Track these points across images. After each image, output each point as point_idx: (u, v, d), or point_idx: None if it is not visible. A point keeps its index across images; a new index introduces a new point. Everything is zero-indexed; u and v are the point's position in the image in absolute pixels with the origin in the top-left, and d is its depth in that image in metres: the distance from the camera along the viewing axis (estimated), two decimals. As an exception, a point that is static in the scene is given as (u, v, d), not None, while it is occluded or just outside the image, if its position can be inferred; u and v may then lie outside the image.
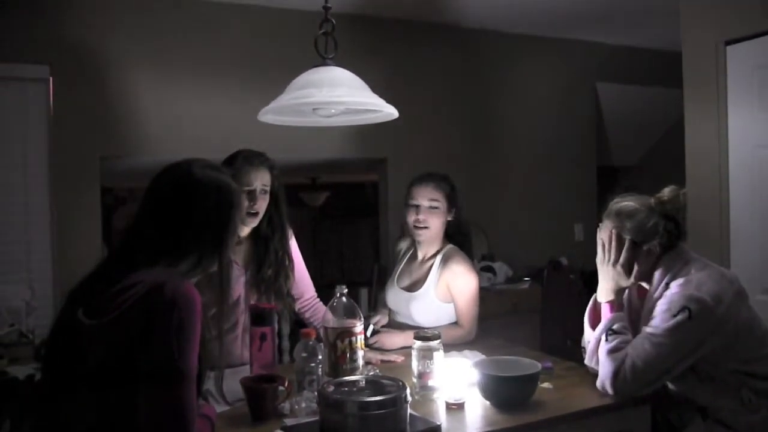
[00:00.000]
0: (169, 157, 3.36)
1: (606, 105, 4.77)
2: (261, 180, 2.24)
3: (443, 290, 2.52)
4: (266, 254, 2.28)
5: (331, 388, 1.62)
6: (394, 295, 2.65)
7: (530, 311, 3.78)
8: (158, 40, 3.44)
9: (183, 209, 1.42)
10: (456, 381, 1.87)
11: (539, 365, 1.85)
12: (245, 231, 2.31)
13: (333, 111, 2.14)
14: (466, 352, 2.35)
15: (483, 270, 3.94)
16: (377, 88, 2.12)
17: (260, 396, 1.74)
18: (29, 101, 3.18)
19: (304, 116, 2.22)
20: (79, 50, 3.26)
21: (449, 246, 2.59)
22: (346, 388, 1.65)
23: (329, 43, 2.12)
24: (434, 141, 4.15)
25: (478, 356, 2.28)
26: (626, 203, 1.95)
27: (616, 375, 1.80)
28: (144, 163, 3.58)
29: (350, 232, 6.24)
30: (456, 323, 2.53)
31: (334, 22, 2.12)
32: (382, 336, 2.44)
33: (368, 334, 2.39)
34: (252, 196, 2.23)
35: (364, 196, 5.65)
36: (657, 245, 1.90)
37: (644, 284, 1.98)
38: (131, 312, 1.26)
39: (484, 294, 3.66)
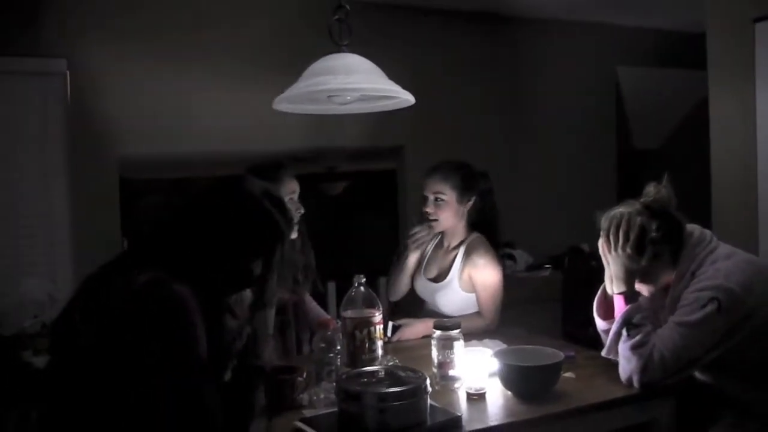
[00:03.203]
0: (188, 149, 3.37)
1: (627, 88, 4.69)
2: (298, 188, 2.38)
3: (466, 281, 2.50)
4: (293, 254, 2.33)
5: (350, 379, 1.60)
6: (422, 286, 2.63)
7: (551, 299, 3.74)
8: (174, 32, 3.41)
9: (231, 226, 1.39)
10: (477, 371, 1.85)
11: (562, 355, 1.82)
12: None
13: (348, 98, 2.11)
14: (487, 341, 2.32)
15: (503, 257, 3.89)
16: (395, 75, 2.09)
17: (279, 387, 1.73)
18: (47, 95, 3.17)
19: (319, 104, 2.19)
20: (96, 43, 3.24)
21: (473, 236, 2.55)
22: (365, 379, 1.63)
23: (344, 30, 2.08)
24: (453, 127, 4.10)
25: (500, 345, 2.25)
26: (614, 213, 1.90)
27: (645, 369, 1.75)
28: (162, 155, 3.58)
29: (369, 221, 6.20)
30: (479, 312, 2.50)
31: (348, 8, 2.08)
32: (403, 331, 2.42)
33: (389, 334, 2.38)
34: (299, 204, 2.38)
35: (383, 185, 5.60)
36: (664, 249, 1.85)
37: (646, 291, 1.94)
38: (120, 315, 1.26)
39: (504, 282, 3.64)
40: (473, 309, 2.52)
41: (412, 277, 2.66)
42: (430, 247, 2.69)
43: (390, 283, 2.69)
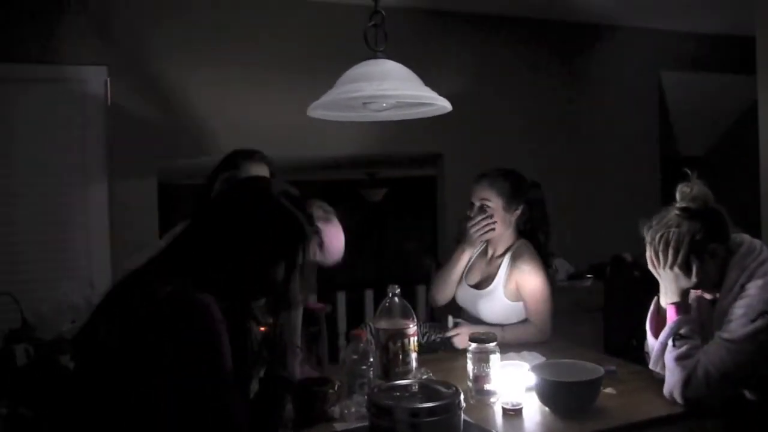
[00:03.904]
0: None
1: (671, 94, 4.56)
2: None
3: (512, 289, 2.44)
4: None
5: (382, 393, 1.56)
6: (463, 293, 2.58)
7: (593, 310, 3.64)
8: (212, 39, 3.44)
9: (251, 230, 1.36)
10: (513, 385, 1.80)
11: (602, 369, 1.75)
12: None
13: (384, 105, 2.09)
14: (525, 353, 2.26)
15: (549, 267, 3.82)
16: (436, 82, 2.06)
17: (309, 399, 1.70)
18: (88, 103, 3.22)
19: (354, 111, 2.17)
20: (136, 51, 3.29)
21: (519, 242, 2.50)
22: (398, 393, 1.59)
23: (379, 36, 2.06)
24: (494, 135, 4.05)
25: (538, 358, 2.19)
26: (657, 224, 1.82)
27: (687, 383, 1.68)
28: (201, 162, 3.60)
29: (409, 229, 6.17)
30: (526, 320, 2.45)
31: (383, 13, 2.06)
32: (456, 339, 2.35)
33: (450, 325, 2.39)
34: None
35: (423, 192, 5.58)
36: (716, 248, 1.77)
37: (707, 295, 1.85)
38: (144, 326, 1.24)
39: (553, 287, 3.57)
40: (516, 318, 2.46)
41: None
42: (474, 254, 2.64)
43: (435, 285, 2.62)
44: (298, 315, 1.66)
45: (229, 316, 1.32)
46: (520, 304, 2.45)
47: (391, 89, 1.88)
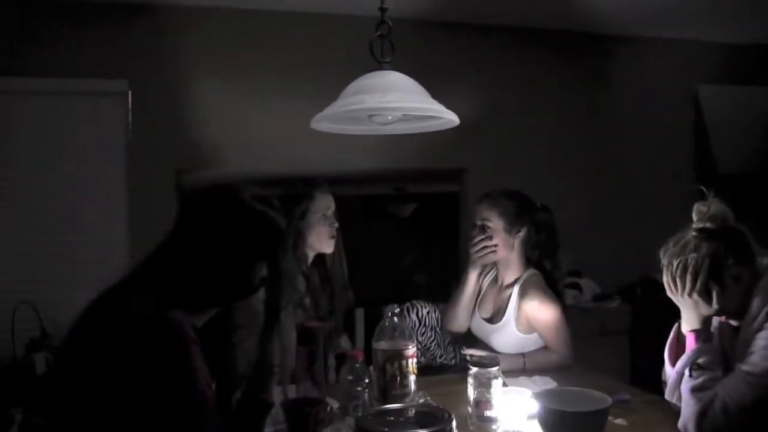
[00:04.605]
0: (248, 169, 3.36)
1: (709, 108, 4.38)
2: (332, 203, 2.35)
3: (524, 323, 2.36)
4: (328, 279, 2.27)
5: (369, 418, 1.50)
6: (476, 325, 2.52)
7: (619, 333, 3.51)
8: (233, 52, 3.44)
9: (218, 237, 1.34)
10: (515, 412, 1.71)
11: (609, 399, 1.64)
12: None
13: (390, 117, 2.02)
14: (537, 378, 2.18)
15: (568, 287, 3.69)
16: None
17: (301, 420, 1.64)
18: (109, 115, 3.25)
19: (360, 124, 2.11)
20: (157, 64, 3.31)
21: (528, 273, 2.41)
22: (392, 418, 1.53)
23: (386, 47, 2.00)
24: (517, 150, 3.97)
25: (549, 383, 2.12)
26: (674, 249, 1.72)
27: (702, 417, 1.56)
28: (222, 174, 3.59)
29: (437, 245, 6.06)
30: (547, 347, 2.37)
31: (390, 24, 2.00)
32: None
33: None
34: (333, 219, 2.33)
35: (447, 208, 5.50)
36: (740, 271, 1.65)
37: (732, 321, 1.73)
38: (114, 347, 1.21)
39: (568, 312, 3.44)
40: (531, 348, 2.37)
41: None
42: (486, 282, 2.57)
43: (446, 311, 2.56)
44: (291, 334, 1.61)
45: (206, 333, 1.29)
46: (535, 335, 2.37)
47: (394, 101, 1.82)
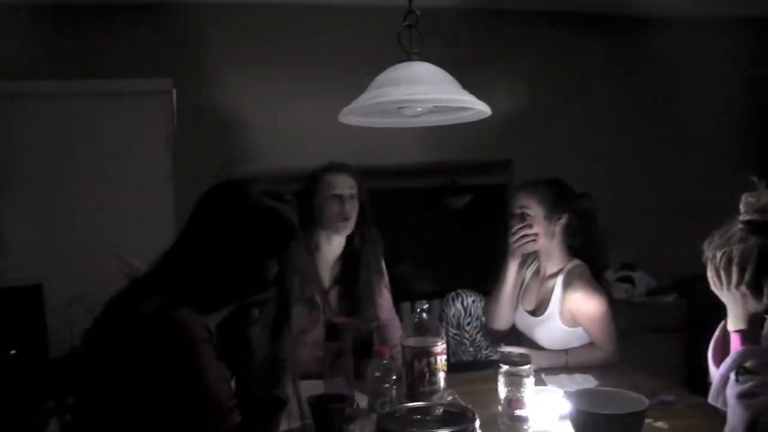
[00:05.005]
0: (299, 164, 3.38)
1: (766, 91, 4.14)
2: (346, 184, 2.24)
3: (568, 316, 2.28)
4: (358, 270, 2.23)
5: (391, 418, 1.47)
6: (520, 319, 2.45)
7: (675, 329, 3.36)
8: (276, 48, 3.46)
9: (229, 235, 1.34)
10: (547, 412, 1.65)
11: (646, 401, 1.56)
12: (337, 242, 2.32)
13: (419, 109, 1.98)
14: (577, 376, 2.11)
15: (620, 281, 3.57)
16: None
17: (326, 416, 1.62)
18: (153, 114, 3.31)
19: (389, 116, 2.08)
20: (200, 62, 3.36)
21: (572, 264, 2.33)
22: (418, 416, 1.50)
23: (414, 37, 1.96)
24: (569, 139, 3.86)
25: (590, 382, 2.05)
26: (719, 240, 1.63)
27: (752, 427, 1.46)
28: (272, 171, 3.61)
29: (492, 237, 5.96)
30: (591, 343, 2.28)
31: (418, 13, 1.96)
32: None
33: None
34: (340, 200, 2.24)
35: (496, 200, 5.41)
36: None
37: None
38: (125, 348, 1.22)
39: (619, 307, 3.32)
40: (578, 343, 2.29)
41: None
42: (528, 274, 2.50)
43: (489, 306, 2.49)
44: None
45: (228, 326, 1.30)
46: (580, 329, 2.28)
47: (419, 93, 1.78)
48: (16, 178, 3.20)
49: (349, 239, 2.33)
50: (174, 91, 3.31)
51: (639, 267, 3.74)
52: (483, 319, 2.48)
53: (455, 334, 2.46)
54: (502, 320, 2.47)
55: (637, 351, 2.58)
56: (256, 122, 3.46)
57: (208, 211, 1.37)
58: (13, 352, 2.66)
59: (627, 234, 3.83)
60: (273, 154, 3.49)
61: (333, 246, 2.32)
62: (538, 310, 2.37)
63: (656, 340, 3.24)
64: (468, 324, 2.46)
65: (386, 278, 2.44)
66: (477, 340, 2.48)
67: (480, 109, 1.93)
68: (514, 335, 2.49)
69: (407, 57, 1.94)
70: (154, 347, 1.19)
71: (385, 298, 2.43)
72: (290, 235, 1.38)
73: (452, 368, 2.33)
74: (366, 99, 1.84)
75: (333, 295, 2.29)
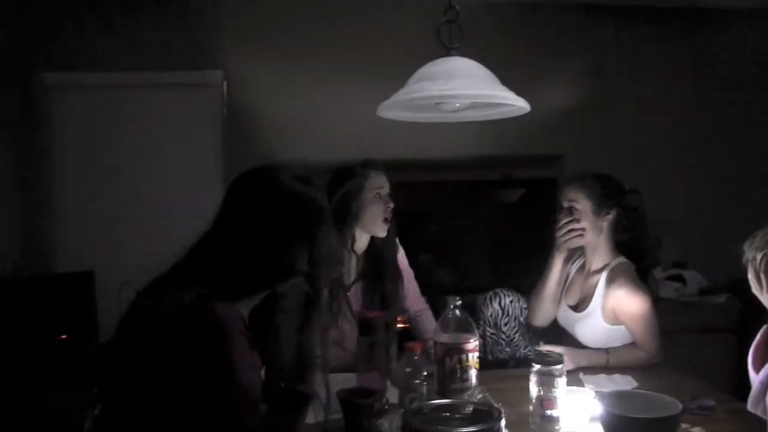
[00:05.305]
0: (345, 155, 3.42)
1: None
2: (387, 183, 2.30)
3: (610, 313, 2.23)
4: (382, 266, 2.24)
5: (417, 414, 1.47)
6: (562, 314, 2.42)
7: (726, 330, 3.26)
8: (322, 42, 3.50)
9: (261, 220, 1.33)
10: (577, 413, 1.63)
11: (679, 406, 1.52)
12: (364, 239, 2.35)
13: (457, 105, 1.97)
14: (616, 376, 2.07)
15: (670, 279, 3.48)
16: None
17: (354, 411, 1.64)
18: (204, 106, 3.40)
19: (428, 111, 2.07)
20: (249, 55, 3.42)
21: (617, 261, 2.29)
22: (447, 413, 1.50)
23: (454, 32, 1.95)
24: (619, 135, 3.78)
25: (630, 383, 2.01)
26: (759, 242, 1.58)
27: None
28: (316, 161, 3.64)
29: (531, 233, 5.87)
30: (633, 344, 2.24)
31: (458, 8, 1.95)
32: (565, 353, 2.19)
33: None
34: (384, 200, 2.28)
35: (547, 195, 5.32)
36: None
37: None
38: (163, 338, 1.22)
39: (669, 306, 3.26)
40: (620, 342, 2.25)
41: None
42: (573, 269, 2.46)
43: (531, 300, 2.46)
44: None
45: (257, 314, 1.31)
46: (622, 327, 2.24)
47: (455, 89, 1.77)
48: (71, 168, 3.34)
49: (373, 236, 2.34)
50: (224, 83, 3.38)
51: (691, 265, 3.63)
52: (521, 319, 2.45)
53: (492, 334, 2.44)
54: (543, 315, 2.44)
55: (686, 352, 2.52)
56: (303, 115, 3.50)
57: (238, 197, 1.38)
58: (64, 336, 2.76)
59: (680, 231, 3.73)
60: (320, 146, 3.52)
61: (360, 243, 2.33)
62: (580, 306, 2.33)
63: (707, 342, 3.15)
64: (505, 324, 2.43)
65: (411, 272, 2.44)
66: (515, 339, 2.45)
67: (519, 105, 1.91)
68: (557, 333, 2.46)
69: (447, 52, 1.94)
70: (189, 338, 1.20)
71: (412, 290, 2.44)
72: (320, 218, 1.37)
73: (488, 365, 2.36)
74: (403, 94, 1.85)
75: (357, 292, 2.30)
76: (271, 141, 3.46)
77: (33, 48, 3.30)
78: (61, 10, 3.29)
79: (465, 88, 1.78)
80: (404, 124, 3.30)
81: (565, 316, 2.39)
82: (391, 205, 2.28)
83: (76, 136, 3.33)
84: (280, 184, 1.35)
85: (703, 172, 3.86)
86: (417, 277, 2.53)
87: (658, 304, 3.10)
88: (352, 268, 2.30)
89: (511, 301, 2.46)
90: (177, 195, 3.36)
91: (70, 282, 3.02)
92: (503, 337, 2.44)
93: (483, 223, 5.15)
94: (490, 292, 2.49)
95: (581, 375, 2.07)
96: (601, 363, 2.17)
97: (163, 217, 3.32)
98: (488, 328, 2.44)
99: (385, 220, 2.27)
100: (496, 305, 2.44)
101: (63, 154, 3.33)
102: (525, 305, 2.47)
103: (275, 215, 1.33)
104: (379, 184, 2.28)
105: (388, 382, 1.86)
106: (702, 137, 3.88)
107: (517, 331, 2.45)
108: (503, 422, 1.42)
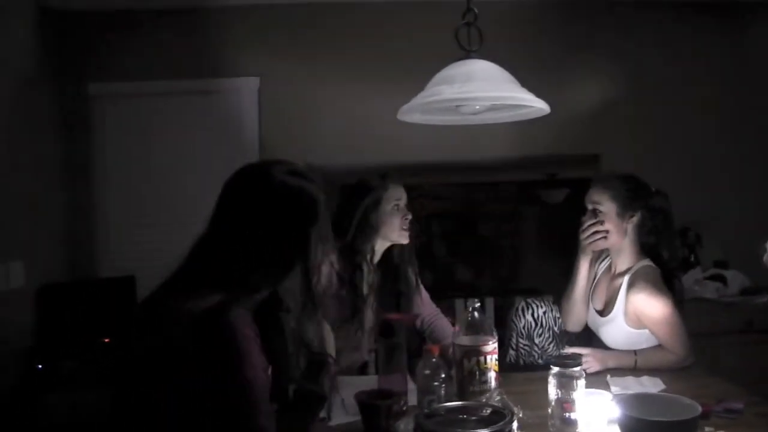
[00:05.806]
0: (381, 160, 3.43)
1: None
2: (404, 194, 2.34)
3: (633, 317, 2.21)
4: (397, 281, 2.28)
5: (429, 416, 1.49)
6: (591, 318, 2.40)
7: (768, 330, 3.17)
8: (355, 49, 3.54)
9: (257, 217, 1.34)
10: (596, 416, 1.62)
11: (699, 409, 1.50)
12: (380, 249, 2.37)
13: (477, 107, 1.98)
14: (644, 379, 2.04)
15: (710, 279, 3.39)
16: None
17: (372, 413, 1.67)
18: (241, 112, 3.47)
19: (449, 114, 2.08)
20: (285, 63, 3.49)
21: (641, 264, 2.25)
22: (464, 415, 1.50)
23: (473, 35, 1.96)
24: (657, 135, 3.71)
25: (658, 386, 1.99)
26: None
27: None
28: (353, 165, 3.68)
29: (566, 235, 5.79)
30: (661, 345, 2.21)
31: (476, 11, 1.95)
32: (592, 354, 2.17)
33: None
34: (403, 212, 2.32)
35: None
36: None
37: None
38: (178, 346, 1.23)
39: (709, 307, 3.18)
40: (643, 346, 2.22)
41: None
42: (600, 270, 2.43)
43: (562, 304, 2.44)
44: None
45: (264, 315, 1.31)
46: (646, 331, 2.21)
47: (473, 91, 1.78)
48: (112, 175, 3.45)
49: (389, 247, 2.38)
50: (260, 90, 3.46)
51: (733, 265, 3.53)
52: (555, 329, 2.42)
53: (525, 345, 2.41)
54: (575, 319, 2.42)
55: (726, 353, 2.47)
56: (339, 120, 3.55)
57: (233, 196, 1.39)
58: (106, 340, 2.84)
59: (723, 231, 3.65)
60: (356, 149, 3.57)
61: (378, 255, 2.37)
62: (605, 310, 2.31)
63: (748, 343, 3.06)
64: (539, 335, 2.40)
65: (420, 285, 2.47)
66: (549, 350, 2.42)
67: (538, 107, 1.90)
68: (586, 335, 2.43)
69: (466, 55, 1.94)
70: (205, 346, 1.21)
71: (423, 296, 2.47)
72: (316, 210, 1.37)
73: (518, 369, 2.35)
74: (421, 97, 1.86)
75: (371, 301, 2.32)
76: (306, 146, 3.51)
77: (77, 59, 3.43)
78: (103, 23, 3.40)
79: (483, 91, 1.79)
80: (438, 128, 3.34)
81: (593, 320, 2.38)
82: (409, 216, 2.32)
83: (117, 144, 3.44)
84: (273, 179, 1.36)
85: (746, 172, 3.75)
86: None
87: (696, 305, 3.05)
88: (370, 279, 2.33)
89: (545, 312, 2.42)
90: (214, 200, 3.42)
91: (112, 286, 3.10)
92: (536, 349, 2.42)
93: (528, 224, 5.14)
94: (522, 303, 2.46)
95: (608, 377, 2.05)
96: (629, 365, 2.15)
97: (201, 223, 3.39)
98: (521, 340, 2.41)
99: (404, 228, 2.30)
100: (529, 317, 2.41)
101: (105, 161, 3.44)
102: (558, 314, 2.44)
103: (271, 209, 1.35)
104: (397, 196, 2.32)
105: (411, 384, 1.87)
106: (745, 137, 3.77)
107: (551, 342, 2.41)
108: (515, 424, 1.42)
